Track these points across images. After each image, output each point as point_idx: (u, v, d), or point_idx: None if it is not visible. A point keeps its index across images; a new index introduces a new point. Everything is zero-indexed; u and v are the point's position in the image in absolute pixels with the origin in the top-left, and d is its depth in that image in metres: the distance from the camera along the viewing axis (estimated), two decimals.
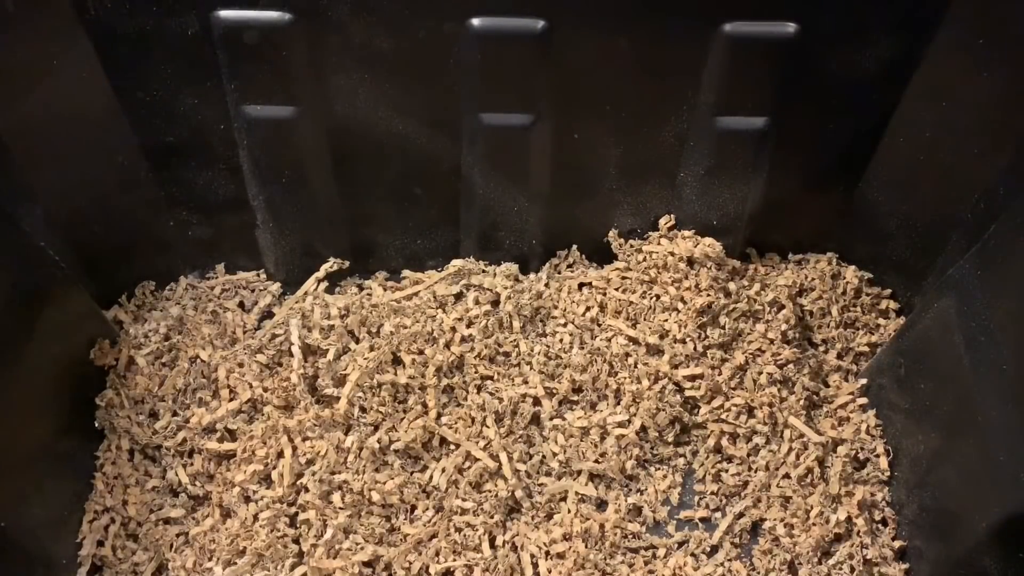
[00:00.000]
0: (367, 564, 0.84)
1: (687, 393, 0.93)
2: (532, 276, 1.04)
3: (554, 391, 0.93)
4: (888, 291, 1.04)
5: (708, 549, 0.88)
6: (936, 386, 0.85)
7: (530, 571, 0.85)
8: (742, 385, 0.94)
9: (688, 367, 0.94)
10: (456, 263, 1.02)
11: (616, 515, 0.88)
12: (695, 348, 0.94)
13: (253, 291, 1.04)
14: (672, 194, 0.99)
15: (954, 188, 0.89)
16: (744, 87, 0.87)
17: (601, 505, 0.90)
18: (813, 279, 1.02)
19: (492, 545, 0.86)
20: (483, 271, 1.02)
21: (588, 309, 0.99)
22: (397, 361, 0.91)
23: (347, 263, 1.02)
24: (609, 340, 0.96)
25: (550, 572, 0.84)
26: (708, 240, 0.98)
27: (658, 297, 0.98)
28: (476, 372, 0.93)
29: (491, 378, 0.94)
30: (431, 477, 0.88)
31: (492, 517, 0.86)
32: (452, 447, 0.89)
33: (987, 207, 0.85)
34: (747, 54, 0.84)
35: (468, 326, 0.96)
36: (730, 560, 0.87)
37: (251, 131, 0.89)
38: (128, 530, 0.87)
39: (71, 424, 0.88)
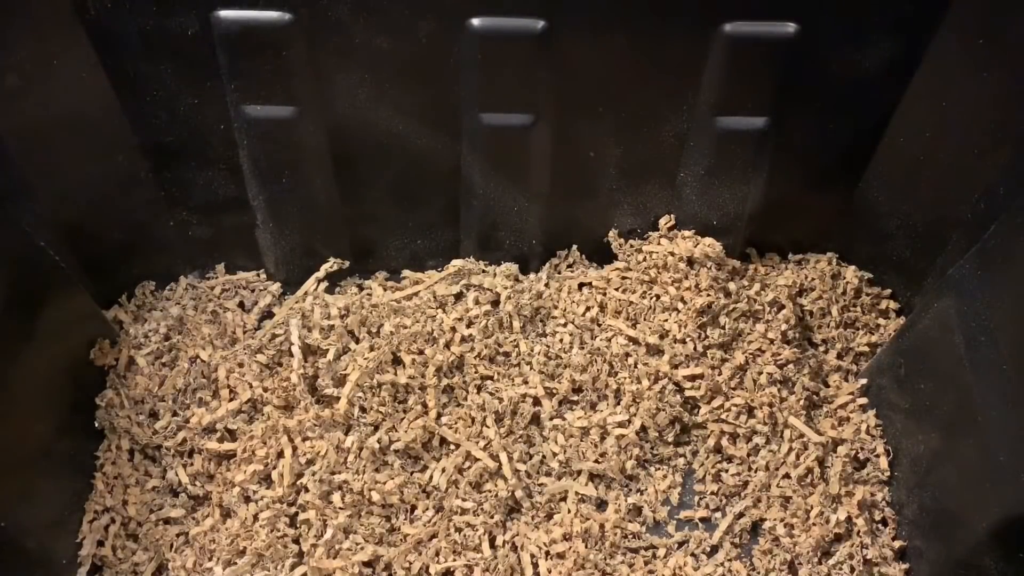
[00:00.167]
0: (367, 564, 0.84)
1: (687, 393, 0.93)
2: (532, 276, 1.04)
3: (554, 391, 0.93)
4: (888, 291, 1.04)
5: (708, 549, 0.88)
6: (936, 386, 0.85)
7: (530, 571, 0.85)
8: (742, 385, 0.94)
9: (688, 367, 0.94)
10: (456, 263, 1.02)
11: (616, 515, 0.88)
12: (695, 348, 0.94)
13: (253, 291, 1.04)
14: (672, 194, 0.99)
15: (954, 188, 0.89)
16: (744, 87, 0.87)
17: (601, 505, 0.90)
18: (813, 279, 1.02)
19: (492, 545, 0.86)
20: (483, 271, 1.02)
21: (588, 309, 0.99)
22: (397, 361, 0.91)
23: (347, 263, 1.02)
24: (609, 340, 0.96)
25: (550, 572, 0.84)
26: (708, 240, 0.98)
27: (658, 297, 0.98)
28: (476, 372, 0.93)
29: (491, 378, 0.94)
30: (431, 477, 0.88)
31: (492, 517, 0.87)
32: (452, 447, 0.89)
33: (987, 207, 0.85)
34: (747, 54, 0.84)
35: (468, 326, 0.96)
36: (730, 560, 0.87)
37: (251, 131, 0.89)
38: (128, 530, 0.87)
39: (71, 424, 0.88)
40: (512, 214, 0.99)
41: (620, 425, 0.92)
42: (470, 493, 0.87)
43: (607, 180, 0.97)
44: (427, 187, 0.97)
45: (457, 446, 0.89)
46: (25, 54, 0.80)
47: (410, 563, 0.85)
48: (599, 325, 0.98)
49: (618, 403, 0.93)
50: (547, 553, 0.86)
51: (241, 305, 1.03)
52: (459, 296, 1.00)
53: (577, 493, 0.89)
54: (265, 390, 0.91)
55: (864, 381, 0.96)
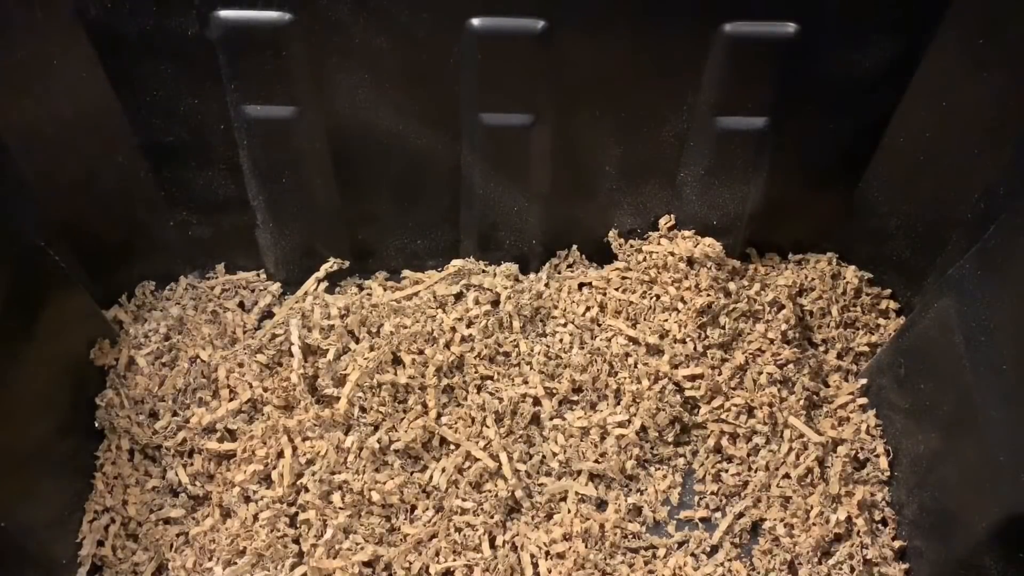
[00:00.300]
0: (367, 564, 0.84)
1: (687, 393, 0.93)
2: (532, 276, 1.04)
3: (554, 391, 0.93)
4: (888, 291, 1.04)
5: (708, 549, 0.88)
6: (936, 386, 0.85)
7: (530, 571, 0.85)
8: (742, 385, 0.94)
9: (688, 367, 0.94)
10: (456, 263, 1.02)
11: (616, 515, 0.88)
12: (695, 348, 0.94)
13: (253, 291, 1.04)
14: (672, 194, 0.99)
15: (954, 188, 0.89)
16: (744, 87, 0.87)
17: (601, 505, 0.90)
18: (813, 279, 1.02)
19: (492, 545, 0.86)
20: (483, 271, 1.02)
21: (588, 309, 0.99)
22: (397, 361, 0.91)
23: (347, 263, 1.02)
24: (609, 340, 0.96)
25: (550, 572, 0.84)
26: (708, 240, 0.98)
27: (658, 297, 0.98)
28: (476, 372, 0.93)
29: (491, 378, 0.94)
30: (431, 477, 0.88)
31: (492, 517, 0.87)
32: (452, 447, 0.89)
33: (987, 207, 0.85)
34: (747, 54, 0.84)
35: (468, 326, 0.96)
36: (730, 560, 0.87)
37: (251, 131, 0.89)
38: (128, 530, 0.87)
39: (71, 424, 0.88)
40: (512, 214, 0.99)
41: (620, 425, 0.92)
42: (470, 493, 0.87)
43: (607, 180, 0.97)
44: (427, 187, 0.97)
45: (457, 446, 0.89)
46: (25, 54, 0.80)
47: (410, 563, 0.85)
48: (599, 325, 0.98)
49: (618, 403, 0.93)
50: (547, 553, 0.86)
51: (241, 305, 1.03)
52: (459, 296, 1.00)
53: (577, 493, 0.89)
54: (265, 390, 0.91)
55: (864, 381, 0.96)
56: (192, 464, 0.90)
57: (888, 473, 0.91)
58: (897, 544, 0.87)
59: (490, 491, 0.88)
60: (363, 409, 0.88)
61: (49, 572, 0.82)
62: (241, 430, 0.90)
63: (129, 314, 1.00)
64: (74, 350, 0.90)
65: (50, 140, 0.86)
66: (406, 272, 1.04)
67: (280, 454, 0.88)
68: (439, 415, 0.90)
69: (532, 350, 0.95)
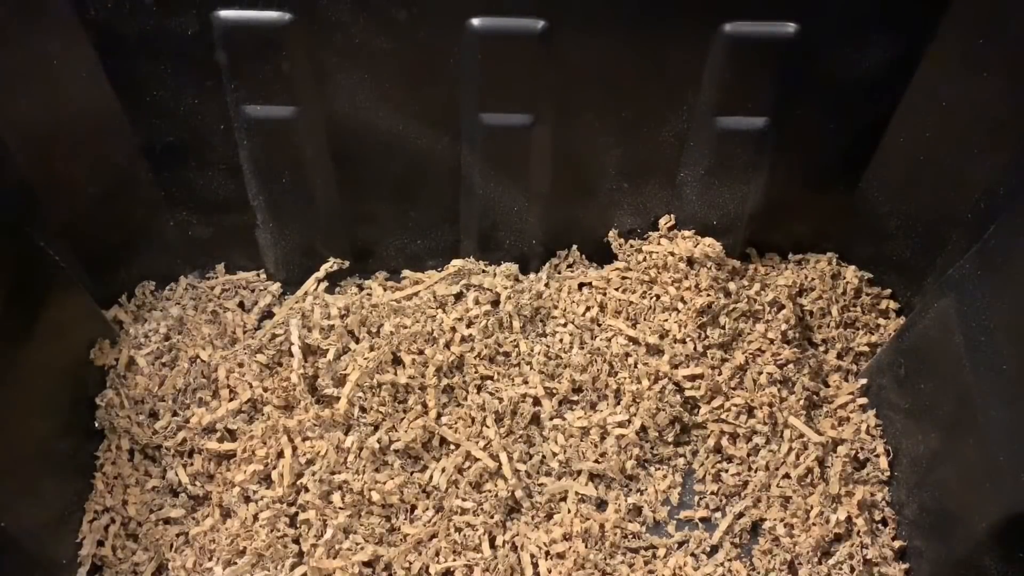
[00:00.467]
0: (367, 564, 0.84)
1: (687, 393, 0.93)
2: (532, 276, 1.04)
3: (554, 391, 0.93)
4: (888, 291, 1.04)
5: (708, 549, 0.88)
6: (936, 386, 0.85)
7: (530, 571, 0.85)
8: (742, 385, 0.94)
9: (688, 367, 0.94)
10: (456, 263, 1.02)
11: (616, 515, 0.88)
12: (695, 348, 0.94)
13: (253, 291, 1.04)
14: (672, 194, 0.99)
15: (954, 188, 0.89)
16: (744, 87, 0.87)
17: (601, 505, 0.90)
18: (813, 279, 1.02)
19: (492, 545, 0.86)
20: (483, 271, 1.02)
21: (588, 309, 0.99)
22: (397, 361, 0.91)
23: (347, 263, 1.02)
24: (609, 340, 0.96)
25: (550, 572, 0.84)
26: (708, 240, 0.98)
27: (658, 297, 0.98)
28: (476, 372, 0.93)
29: (491, 378, 0.94)
30: (431, 477, 0.88)
31: (492, 517, 0.87)
32: (452, 447, 0.89)
33: (987, 207, 0.85)
34: (747, 54, 0.84)
35: (468, 326, 0.96)
36: (730, 560, 0.87)
37: (251, 131, 0.89)
38: (128, 530, 0.87)
39: (71, 424, 0.88)
40: (512, 214, 0.99)
41: (620, 425, 0.92)
42: (470, 493, 0.87)
43: (607, 180, 0.97)
44: (427, 187, 0.97)
45: (457, 446, 0.89)
46: (25, 54, 0.80)
47: (410, 563, 0.85)
48: (599, 325, 0.98)
49: (618, 403, 0.93)
50: (547, 553, 0.86)
51: (241, 305, 1.03)
52: (459, 296, 1.00)
53: (577, 493, 0.89)
54: (265, 390, 0.91)
55: (864, 381, 0.96)
56: (192, 464, 0.90)
57: (888, 473, 0.91)
58: (897, 544, 0.87)
59: (490, 491, 0.88)
60: (363, 409, 0.88)
61: (49, 572, 0.82)
62: (241, 430, 0.90)
63: (129, 314, 1.00)
64: (74, 350, 0.90)
65: (50, 140, 0.86)
66: (406, 272, 1.04)
67: (280, 454, 0.88)
68: (439, 415, 0.90)
69: (532, 350, 0.95)
